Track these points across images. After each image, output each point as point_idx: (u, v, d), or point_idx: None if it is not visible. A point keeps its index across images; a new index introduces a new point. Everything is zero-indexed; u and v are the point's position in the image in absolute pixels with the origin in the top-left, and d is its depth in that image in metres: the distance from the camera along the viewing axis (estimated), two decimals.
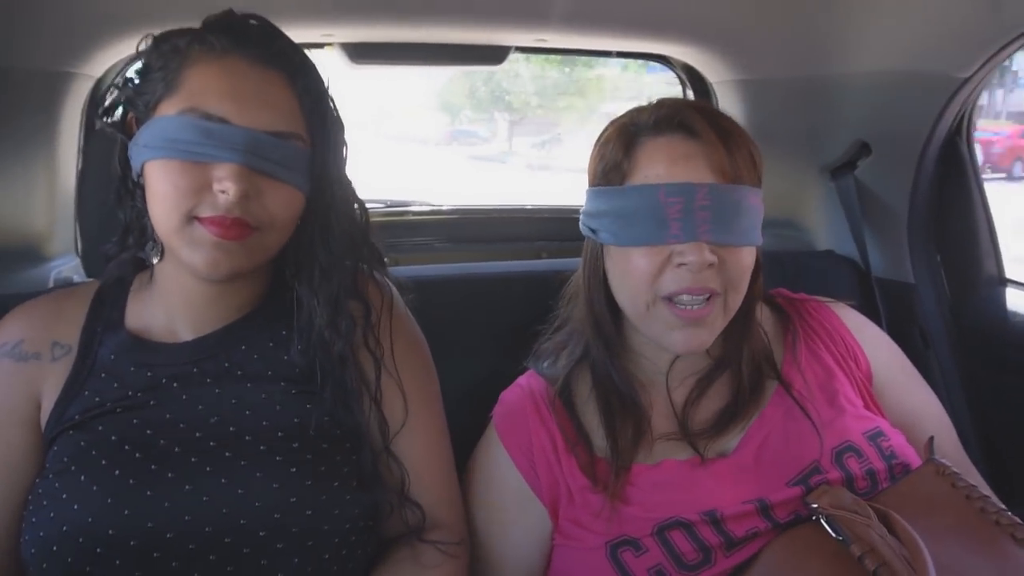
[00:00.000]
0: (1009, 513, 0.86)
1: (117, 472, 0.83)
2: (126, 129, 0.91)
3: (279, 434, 0.87)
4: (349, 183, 0.96)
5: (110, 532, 0.80)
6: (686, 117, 0.93)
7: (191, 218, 0.83)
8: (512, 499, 0.99)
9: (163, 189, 0.84)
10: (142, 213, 0.91)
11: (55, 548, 0.80)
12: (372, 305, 0.97)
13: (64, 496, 0.82)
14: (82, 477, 0.83)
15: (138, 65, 0.90)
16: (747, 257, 0.94)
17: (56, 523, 0.81)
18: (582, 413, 1.01)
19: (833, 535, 0.82)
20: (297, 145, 0.87)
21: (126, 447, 0.84)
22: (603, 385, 1.00)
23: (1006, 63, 1.26)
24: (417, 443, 0.97)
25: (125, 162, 0.91)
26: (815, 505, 0.86)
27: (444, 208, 1.94)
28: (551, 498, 0.97)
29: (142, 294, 0.96)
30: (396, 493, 0.93)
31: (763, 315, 1.07)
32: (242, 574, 0.82)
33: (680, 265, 0.90)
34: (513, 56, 1.67)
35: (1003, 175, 8.68)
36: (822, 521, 0.84)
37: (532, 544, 0.99)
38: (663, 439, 0.97)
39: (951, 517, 0.85)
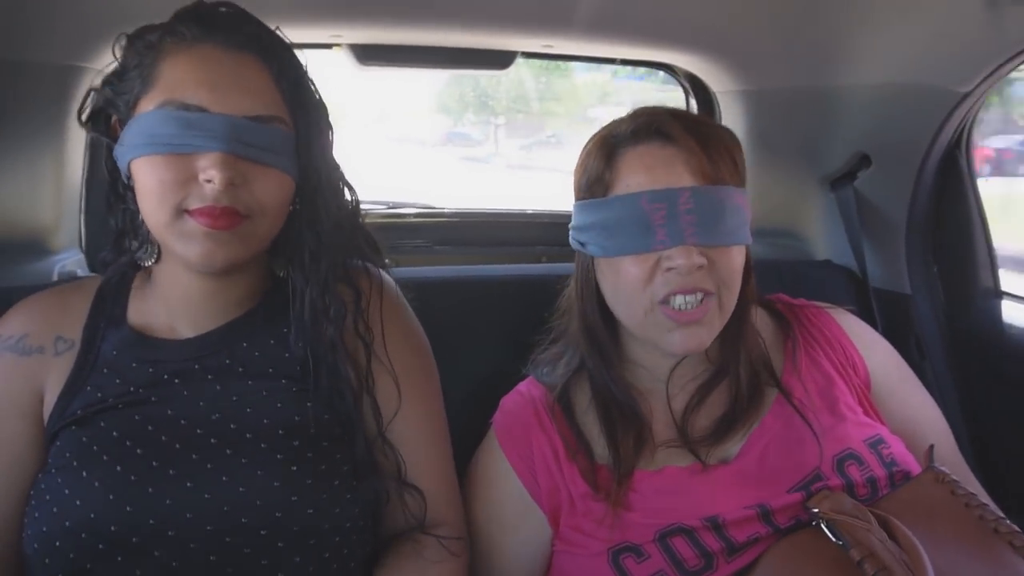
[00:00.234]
0: (1008, 521, 0.87)
1: (119, 468, 0.83)
2: (111, 133, 0.90)
3: (280, 432, 0.87)
4: (337, 166, 0.96)
5: (112, 528, 0.80)
6: (663, 124, 0.94)
7: (181, 211, 0.83)
8: (512, 506, 1.00)
9: (150, 185, 0.83)
10: (135, 215, 0.91)
11: (57, 543, 0.80)
12: (362, 291, 0.96)
13: (66, 491, 0.82)
14: (84, 473, 0.83)
15: (115, 67, 0.90)
16: (737, 256, 0.95)
17: (58, 518, 0.81)
18: (582, 421, 1.01)
19: (833, 540, 0.83)
20: (280, 128, 0.87)
21: (128, 443, 0.84)
22: (602, 395, 1.01)
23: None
24: (412, 430, 0.96)
25: (113, 166, 0.91)
26: (815, 510, 0.86)
27: (443, 210, 1.94)
28: (551, 505, 0.97)
29: (144, 290, 0.96)
30: (393, 480, 0.93)
31: (762, 321, 1.07)
32: (242, 573, 0.82)
33: (669, 270, 0.91)
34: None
35: None
36: (822, 526, 0.85)
37: (532, 551, 0.99)
38: (664, 446, 0.97)
39: (950, 524, 0.86)
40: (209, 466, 0.84)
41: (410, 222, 1.87)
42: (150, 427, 0.86)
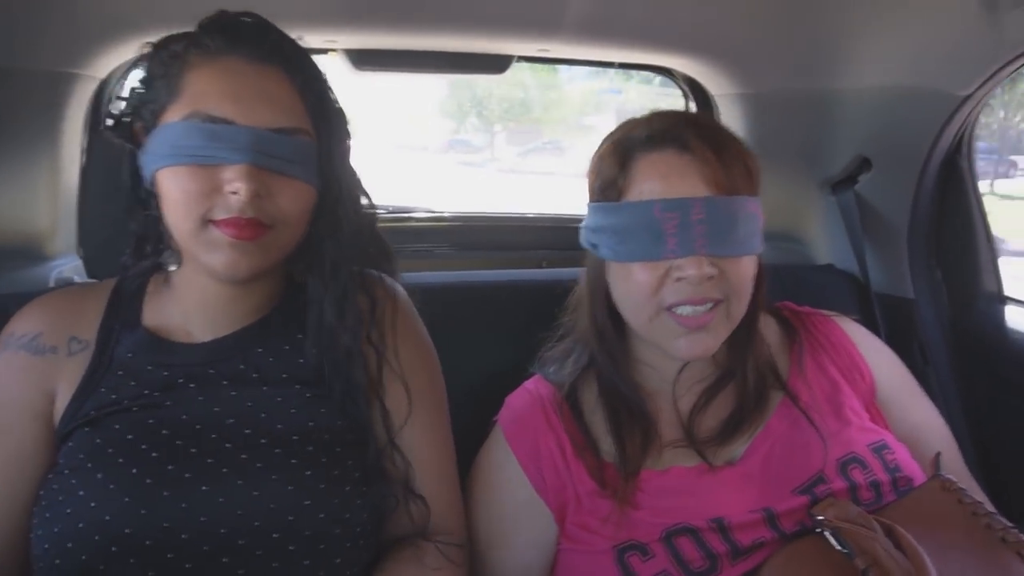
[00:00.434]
0: (1015, 530, 0.86)
1: (135, 471, 0.83)
2: (133, 138, 0.91)
3: (294, 437, 0.88)
4: (355, 175, 0.97)
5: (126, 531, 0.80)
6: (679, 131, 0.94)
7: (206, 222, 0.84)
8: (519, 504, 0.99)
9: (175, 195, 0.84)
10: (157, 221, 0.91)
11: (70, 545, 0.80)
12: (377, 300, 0.98)
13: (81, 493, 0.82)
14: (99, 475, 0.83)
15: (142, 75, 0.91)
16: (748, 266, 0.95)
17: (72, 520, 0.81)
18: (590, 419, 1.01)
19: (838, 547, 0.82)
20: (303, 139, 0.88)
21: (143, 446, 0.84)
22: (610, 394, 1.01)
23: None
24: (420, 438, 0.97)
25: (135, 172, 0.91)
26: (820, 517, 0.85)
27: (447, 215, 1.94)
28: (558, 503, 0.97)
29: (159, 294, 0.96)
30: (401, 486, 0.94)
31: (769, 327, 1.07)
32: (253, 575, 0.82)
33: (679, 279, 0.91)
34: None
35: None
36: (827, 534, 0.84)
37: (537, 549, 0.99)
38: (671, 446, 0.97)
39: (956, 533, 0.85)
40: (224, 470, 0.84)
41: (413, 226, 1.87)
42: (165, 430, 0.86)
